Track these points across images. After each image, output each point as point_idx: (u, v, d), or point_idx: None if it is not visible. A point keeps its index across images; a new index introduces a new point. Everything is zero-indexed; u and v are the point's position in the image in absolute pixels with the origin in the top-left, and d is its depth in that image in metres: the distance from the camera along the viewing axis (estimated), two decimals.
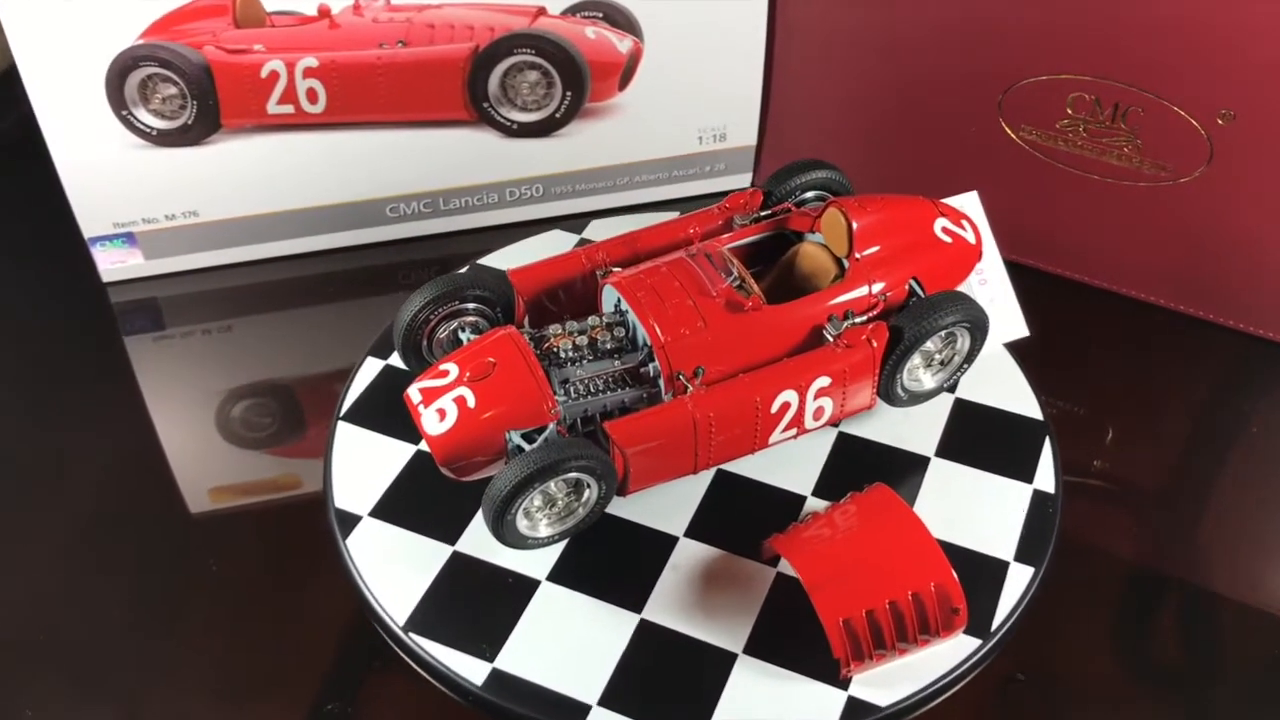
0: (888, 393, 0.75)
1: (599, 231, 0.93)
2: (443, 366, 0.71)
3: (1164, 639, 0.74)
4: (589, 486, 0.69)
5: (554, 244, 0.92)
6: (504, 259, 0.91)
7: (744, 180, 1.06)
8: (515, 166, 0.99)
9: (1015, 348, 0.84)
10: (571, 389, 0.70)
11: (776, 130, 1.03)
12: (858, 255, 0.74)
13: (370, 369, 0.83)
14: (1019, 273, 0.82)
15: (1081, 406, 0.88)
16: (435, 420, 0.69)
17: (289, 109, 0.92)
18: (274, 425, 0.89)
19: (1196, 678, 0.72)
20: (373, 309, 0.98)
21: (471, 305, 0.75)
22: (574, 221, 0.95)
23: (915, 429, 0.79)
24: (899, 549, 0.68)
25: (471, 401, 0.69)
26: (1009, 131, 0.94)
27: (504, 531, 0.68)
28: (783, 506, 0.75)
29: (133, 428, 0.89)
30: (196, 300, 0.98)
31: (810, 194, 0.81)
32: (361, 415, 0.80)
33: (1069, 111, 0.90)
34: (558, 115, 0.96)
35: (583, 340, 0.72)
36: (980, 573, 0.71)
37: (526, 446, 0.68)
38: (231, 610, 0.76)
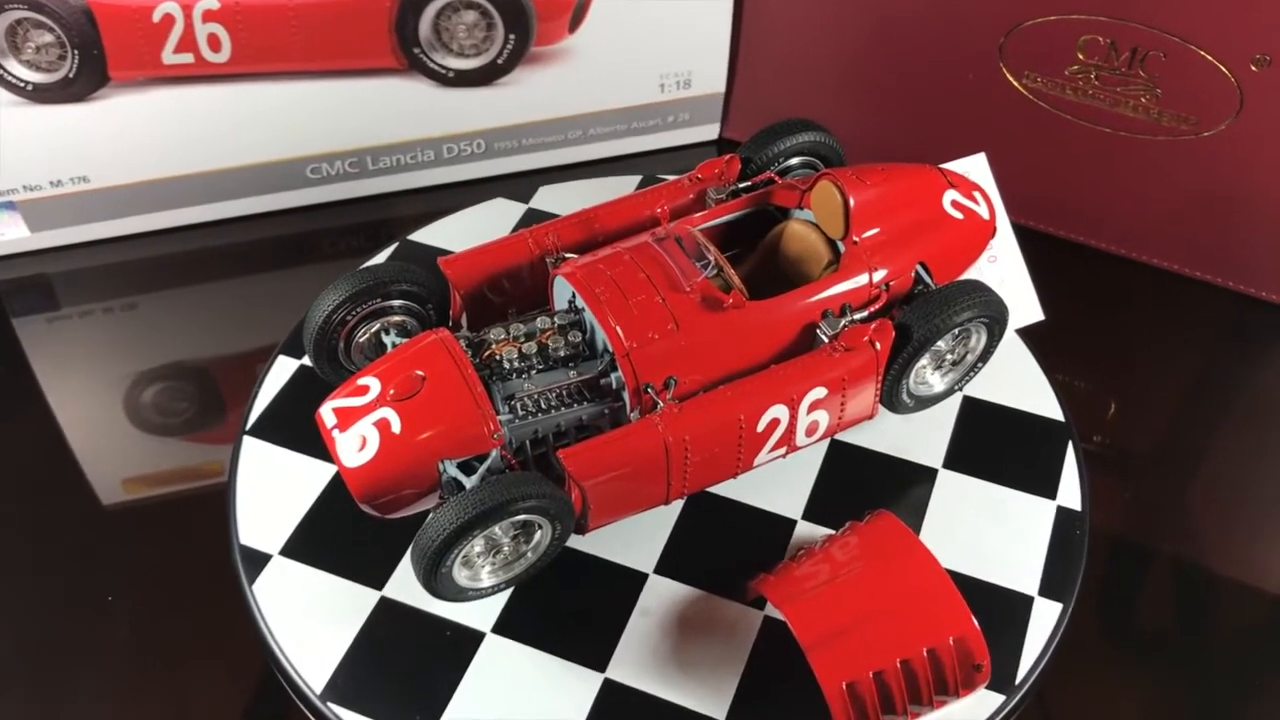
0: (891, 399, 0.62)
1: (549, 200, 0.79)
2: (361, 381, 0.57)
3: (1219, 682, 0.62)
4: (540, 528, 0.55)
5: (497, 215, 0.78)
6: (438, 234, 0.76)
7: (711, 132, 0.92)
8: (452, 120, 0.86)
9: (1026, 331, 0.70)
10: (518, 405, 0.56)
11: (747, 76, 0.89)
12: (856, 238, 0.60)
13: (281, 371, 0.69)
14: (1019, 236, 0.68)
15: (1093, 388, 0.76)
16: (353, 449, 0.55)
17: (188, 58, 0.78)
18: (191, 409, 0.78)
19: None
20: (294, 281, 0.87)
21: (397, 302, 0.61)
22: (520, 187, 0.80)
23: (919, 435, 0.66)
24: (911, 596, 0.56)
25: (396, 425, 0.55)
26: (1011, 79, 0.80)
27: (439, 585, 0.54)
28: (769, 533, 0.62)
29: (30, 418, 0.77)
30: (94, 276, 0.86)
31: (795, 160, 0.67)
32: (271, 429, 0.66)
33: (1080, 56, 0.78)
34: (500, 61, 0.84)
35: (530, 347, 0.57)
36: (1000, 612, 0.59)
37: (464, 480, 0.54)
38: (125, 665, 0.64)
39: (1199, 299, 0.83)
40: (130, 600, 0.66)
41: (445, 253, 0.73)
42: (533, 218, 0.78)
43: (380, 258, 0.75)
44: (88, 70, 0.77)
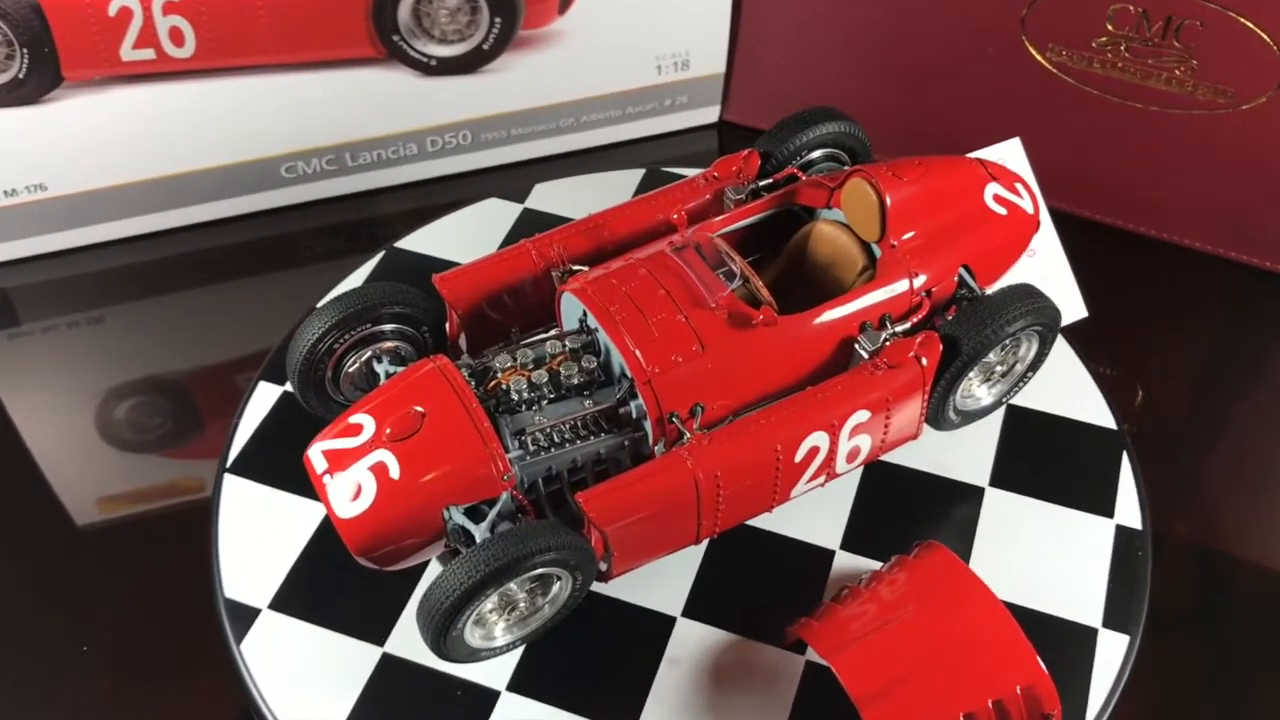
0: (937, 416, 0.55)
1: (546, 198, 0.72)
2: (353, 419, 0.50)
3: None
4: (559, 579, 0.49)
5: (490, 217, 0.71)
6: (428, 241, 0.69)
7: (711, 115, 0.85)
8: (436, 111, 0.80)
9: (1069, 331, 0.64)
10: (529, 441, 0.50)
11: (749, 55, 0.83)
12: (894, 241, 0.53)
13: (264, 399, 0.62)
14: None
15: (1123, 375, 0.69)
16: (347, 497, 0.48)
17: (149, 54, 0.71)
18: (167, 424, 0.72)
19: None
20: (272, 288, 0.80)
21: (389, 326, 0.54)
22: (513, 183, 0.73)
23: (961, 451, 0.59)
24: (972, 640, 0.50)
25: (395, 470, 0.48)
26: (1033, 52, 0.74)
27: (449, 649, 0.48)
28: (805, 566, 0.56)
29: None
30: (56, 289, 0.79)
31: (817, 154, 0.60)
32: (254, 465, 0.59)
33: (1109, 27, 0.72)
34: (485, 47, 0.77)
35: (540, 375, 0.51)
36: (1061, 648, 0.53)
37: (473, 528, 0.48)
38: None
39: (1237, 281, 0.77)
40: (111, 651, 0.59)
41: (436, 262, 0.66)
42: (529, 218, 0.71)
43: (365, 270, 0.67)
44: (39, 70, 0.70)
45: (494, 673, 0.52)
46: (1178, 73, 0.72)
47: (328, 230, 0.81)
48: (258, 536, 0.56)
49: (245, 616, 0.54)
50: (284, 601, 0.54)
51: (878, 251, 0.55)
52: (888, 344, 0.53)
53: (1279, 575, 0.63)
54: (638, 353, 0.50)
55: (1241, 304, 0.76)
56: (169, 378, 0.74)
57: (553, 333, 0.55)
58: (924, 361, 0.52)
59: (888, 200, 0.54)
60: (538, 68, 0.79)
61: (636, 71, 0.82)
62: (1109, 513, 0.58)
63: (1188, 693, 0.57)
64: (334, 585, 0.55)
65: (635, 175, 0.73)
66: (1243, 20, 0.69)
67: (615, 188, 0.71)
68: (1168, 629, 0.57)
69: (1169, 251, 0.78)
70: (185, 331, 0.77)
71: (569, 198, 0.71)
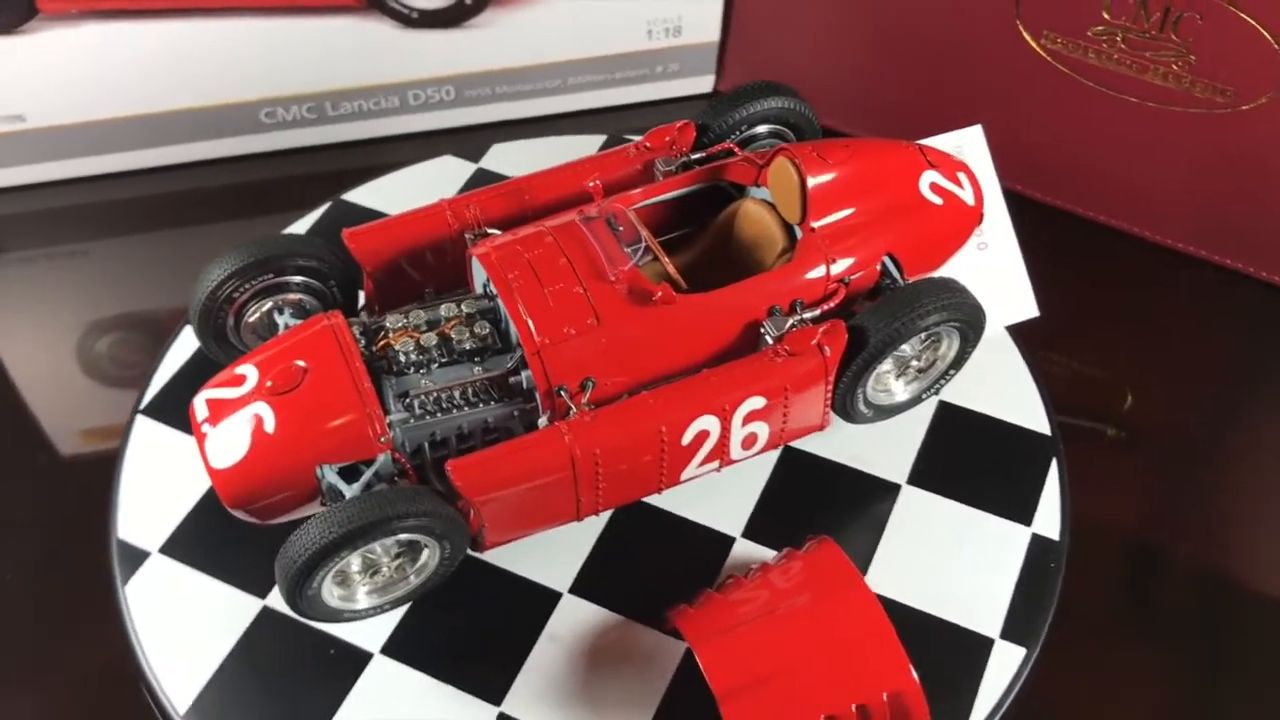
0: (845, 408, 0.53)
1: (502, 159, 0.71)
2: (240, 369, 0.49)
3: None
4: (427, 547, 0.47)
5: (443, 175, 0.70)
6: (376, 195, 0.68)
7: (704, 84, 0.83)
8: (417, 64, 0.78)
9: (1021, 329, 0.61)
10: (415, 404, 0.49)
11: (744, 22, 0.80)
12: (813, 225, 0.51)
13: (186, 345, 0.61)
14: (1028, 209, 0.59)
15: (1098, 377, 0.66)
16: (222, 448, 0.47)
17: None
18: (147, 361, 0.68)
19: None
20: (251, 231, 0.78)
21: (296, 279, 0.53)
22: (473, 142, 0.72)
23: (882, 444, 0.57)
24: (846, 641, 0.48)
25: (270, 423, 0.48)
26: (1028, 38, 0.71)
27: (306, 606, 0.47)
28: (703, 551, 0.54)
29: None
30: (37, 220, 0.79)
31: (763, 129, 0.58)
32: (168, 409, 0.59)
33: (1105, 16, 0.68)
34: (468, 1, 0.76)
35: (430, 339, 0.49)
36: (953, 656, 0.51)
37: (344, 488, 0.47)
38: None
39: (1228, 288, 0.73)
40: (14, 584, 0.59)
41: (378, 216, 0.65)
42: (482, 178, 0.70)
43: (309, 220, 0.67)
44: (12, 1, 0.69)
45: (370, 634, 0.52)
46: (1175, 68, 0.69)
47: (307, 178, 0.80)
48: (161, 480, 0.56)
49: (135, 559, 0.54)
50: (175, 546, 0.54)
51: (799, 233, 0.53)
52: (792, 330, 0.50)
53: (1211, 591, 0.60)
54: (530, 322, 0.49)
55: (1230, 309, 0.72)
56: (153, 315, 0.74)
57: (457, 295, 0.54)
58: (826, 351, 0.50)
59: (809, 181, 0.52)
60: (523, 25, 0.77)
61: (626, 35, 0.80)
62: (1027, 521, 0.55)
63: (1085, 709, 0.54)
64: (226, 535, 0.54)
65: (596, 140, 0.72)
66: (1243, 16, 0.65)
67: (573, 152, 0.68)
68: (1075, 641, 0.54)
69: (1156, 252, 0.74)
70: (165, 270, 0.77)
71: (525, 159, 0.69)
